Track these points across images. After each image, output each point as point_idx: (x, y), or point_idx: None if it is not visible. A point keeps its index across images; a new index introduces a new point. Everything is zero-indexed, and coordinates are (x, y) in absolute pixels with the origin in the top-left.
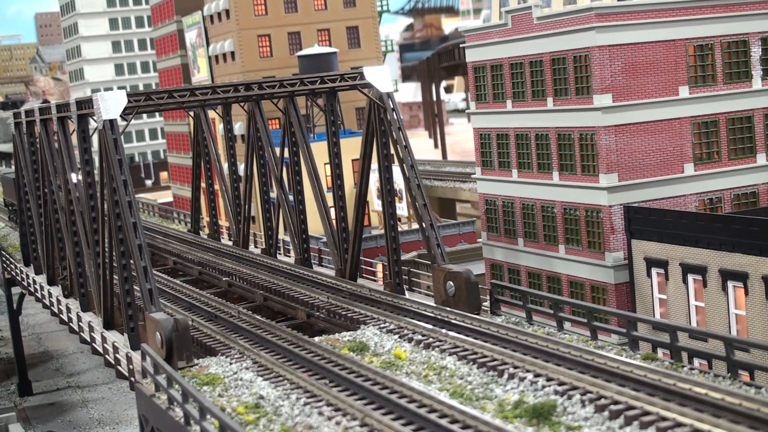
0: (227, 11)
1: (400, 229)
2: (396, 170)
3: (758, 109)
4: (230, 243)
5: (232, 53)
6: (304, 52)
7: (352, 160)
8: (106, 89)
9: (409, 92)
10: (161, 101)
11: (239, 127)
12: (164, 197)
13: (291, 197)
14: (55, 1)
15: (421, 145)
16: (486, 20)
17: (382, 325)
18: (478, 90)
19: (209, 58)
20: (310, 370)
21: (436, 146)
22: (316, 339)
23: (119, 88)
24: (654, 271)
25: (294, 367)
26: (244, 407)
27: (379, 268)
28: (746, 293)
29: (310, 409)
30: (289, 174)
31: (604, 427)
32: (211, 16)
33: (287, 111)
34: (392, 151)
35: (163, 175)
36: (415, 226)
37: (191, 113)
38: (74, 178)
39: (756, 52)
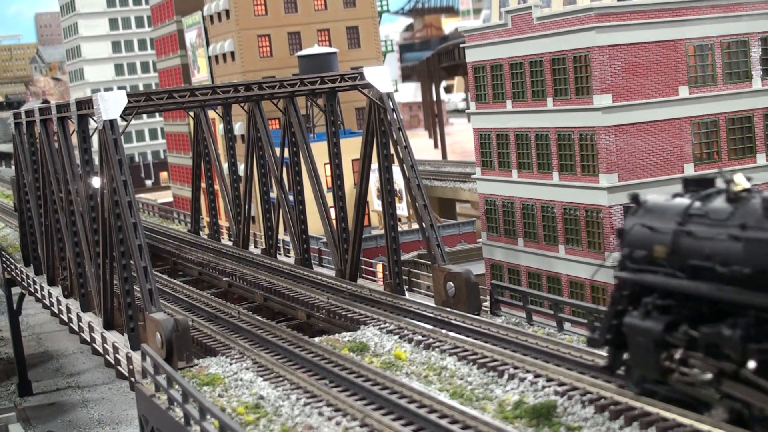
0: (227, 11)
1: (400, 229)
2: (396, 170)
3: (758, 109)
4: (230, 243)
5: (232, 53)
6: (304, 52)
7: (352, 160)
8: (106, 89)
9: (409, 92)
10: (161, 101)
11: (239, 127)
12: (164, 197)
13: (291, 197)
14: (55, 2)
15: (421, 145)
16: (486, 20)
17: (382, 326)
18: (478, 90)
19: (209, 58)
20: (310, 371)
21: (436, 146)
22: (316, 339)
23: (119, 88)
24: None
25: (294, 367)
26: (244, 407)
27: (379, 268)
28: None
29: (311, 409)
30: (289, 174)
31: (604, 427)
32: (211, 16)
33: (287, 111)
34: (392, 152)
35: (163, 175)
36: (415, 226)
37: (191, 113)
38: (96, 182)
39: (756, 52)
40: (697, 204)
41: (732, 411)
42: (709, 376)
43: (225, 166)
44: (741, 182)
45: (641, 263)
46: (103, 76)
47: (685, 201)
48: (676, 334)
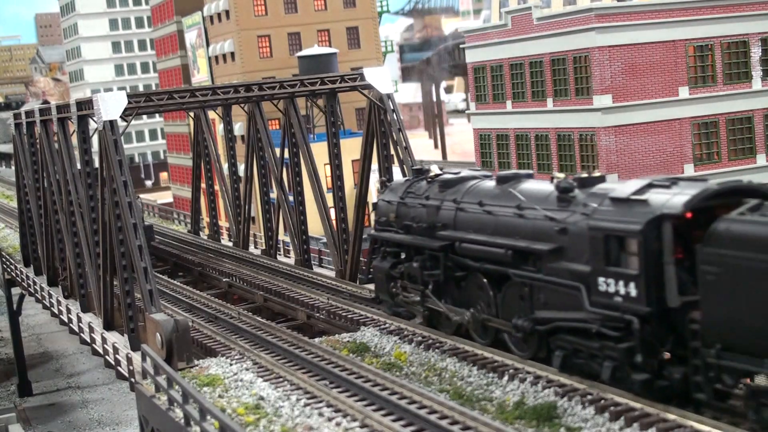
0: (227, 12)
1: None
2: (396, 171)
3: (758, 109)
4: (230, 244)
5: (232, 54)
6: (304, 52)
7: (352, 161)
8: (106, 90)
9: (409, 93)
10: (161, 102)
11: (239, 128)
12: (164, 198)
13: (291, 198)
14: (55, 2)
15: (421, 145)
16: (486, 21)
17: (383, 327)
18: (478, 91)
19: (209, 58)
20: (311, 371)
21: (436, 147)
22: (316, 340)
23: (119, 88)
24: None
25: (294, 368)
26: (245, 408)
27: None
28: None
29: (311, 410)
30: (289, 175)
31: (605, 428)
32: (211, 17)
33: (287, 112)
34: (392, 152)
35: (163, 175)
36: None
37: (191, 114)
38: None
39: (756, 52)
40: (412, 184)
41: (425, 317)
42: (416, 298)
43: (225, 166)
44: (435, 170)
45: (383, 225)
46: (103, 76)
47: (407, 183)
48: (396, 270)
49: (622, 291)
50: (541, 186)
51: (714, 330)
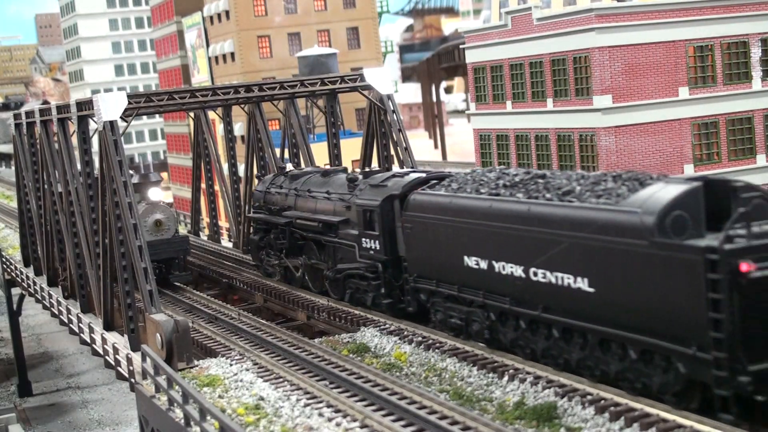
0: (227, 12)
1: None
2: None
3: (758, 110)
4: (230, 244)
5: (232, 54)
6: (304, 52)
7: (352, 161)
8: (105, 90)
9: (410, 93)
10: (161, 102)
11: (239, 128)
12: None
13: None
14: (55, 2)
15: (421, 145)
16: (486, 21)
17: (383, 327)
18: (478, 91)
19: (209, 58)
20: (311, 372)
21: (436, 147)
22: (316, 341)
23: (119, 89)
24: None
25: (294, 368)
26: (245, 408)
27: None
28: None
29: (311, 410)
30: None
31: (605, 428)
32: (211, 17)
33: (287, 112)
34: (392, 153)
35: (163, 175)
36: None
37: (191, 114)
38: (153, 194)
39: (756, 53)
40: (276, 178)
41: (281, 275)
42: (276, 261)
43: (225, 166)
44: (288, 167)
45: (257, 209)
46: (102, 76)
47: (273, 177)
48: (263, 241)
49: (373, 246)
50: (345, 177)
51: (412, 265)
